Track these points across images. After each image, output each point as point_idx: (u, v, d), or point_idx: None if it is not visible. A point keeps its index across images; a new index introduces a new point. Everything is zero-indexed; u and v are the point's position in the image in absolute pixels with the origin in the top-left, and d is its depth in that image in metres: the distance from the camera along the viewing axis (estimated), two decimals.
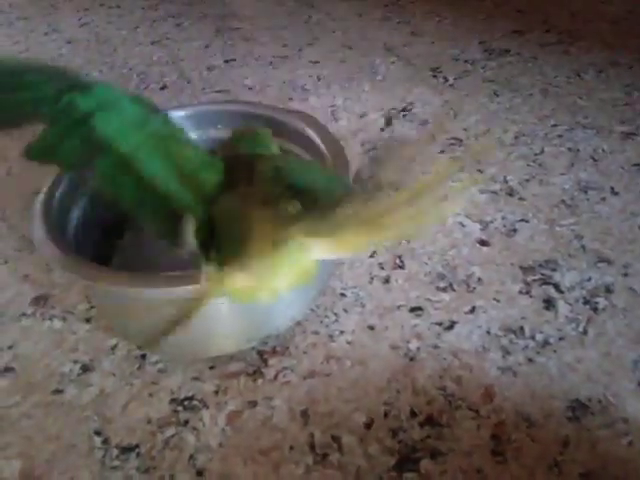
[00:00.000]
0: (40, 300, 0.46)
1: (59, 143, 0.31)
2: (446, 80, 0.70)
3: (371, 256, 0.48)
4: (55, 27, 0.93)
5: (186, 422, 0.36)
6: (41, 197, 0.39)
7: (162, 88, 0.73)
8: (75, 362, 0.41)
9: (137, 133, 0.31)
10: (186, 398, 0.38)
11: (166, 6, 0.97)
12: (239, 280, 0.29)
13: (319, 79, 0.73)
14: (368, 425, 0.36)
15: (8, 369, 0.41)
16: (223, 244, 0.29)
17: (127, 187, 0.31)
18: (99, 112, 0.31)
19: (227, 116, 0.48)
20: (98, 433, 0.36)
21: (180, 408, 0.37)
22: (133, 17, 0.94)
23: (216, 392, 0.38)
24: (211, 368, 0.39)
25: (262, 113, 0.47)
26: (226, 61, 0.79)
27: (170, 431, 0.36)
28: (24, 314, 0.45)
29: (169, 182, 0.31)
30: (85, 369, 0.40)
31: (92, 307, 0.44)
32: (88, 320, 0.44)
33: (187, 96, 0.71)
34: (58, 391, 0.39)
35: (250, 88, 0.72)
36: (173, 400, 0.38)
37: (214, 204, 0.30)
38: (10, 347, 0.42)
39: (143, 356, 0.41)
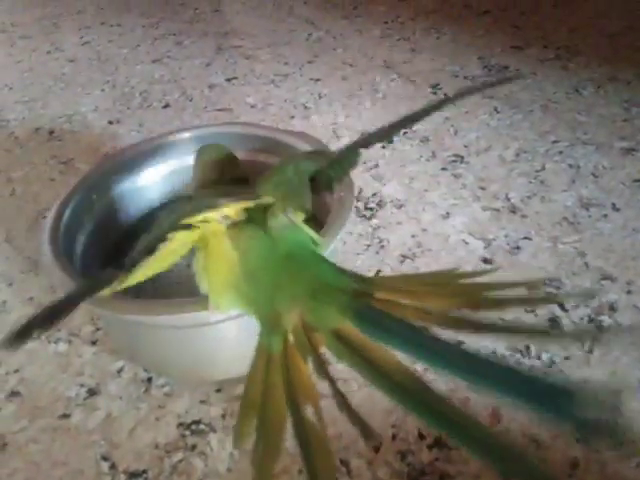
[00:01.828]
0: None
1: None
2: (446, 97, 0.71)
3: (376, 274, 0.48)
4: (57, 46, 0.94)
5: (194, 447, 0.36)
6: (48, 222, 0.39)
7: (164, 107, 0.74)
8: (81, 386, 0.41)
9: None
10: (193, 422, 0.38)
11: (166, 24, 0.99)
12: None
13: (320, 97, 0.74)
14: (376, 448, 0.36)
15: (14, 393, 0.41)
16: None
17: None
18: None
19: (231, 138, 0.48)
20: (105, 458, 0.36)
21: (187, 432, 0.37)
22: (134, 35, 0.95)
23: (223, 416, 0.38)
24: (218, 391, 0.39)
25: (265, 134, 0.48)
26: (227, 79, 0.80)
27: (178, 456, 0.36)
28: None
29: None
30: (91, 393, 0.40)
31: (97, 329, 0.45)
32: (94, 343, 0.44)
33: (189, 115, 0.72)
34: (65, 415, 0.39)
35: (252, 106, 0.73)
36: (180, 424, 0.38)
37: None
38: (16, 371, 0.42)
39: (149, 379, 0.40)
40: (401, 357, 0.24)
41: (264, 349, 0.28)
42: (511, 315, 0.43)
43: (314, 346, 0.26)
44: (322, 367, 0.25)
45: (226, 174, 0.41)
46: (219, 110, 0.72)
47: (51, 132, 0.70)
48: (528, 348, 0.41)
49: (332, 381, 0.25)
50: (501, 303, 0.26)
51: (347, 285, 0.28)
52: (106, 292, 0.30)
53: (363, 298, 0.27)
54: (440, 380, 0.39)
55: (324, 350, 0.26)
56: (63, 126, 0.71)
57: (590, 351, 0.40)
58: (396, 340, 0.24)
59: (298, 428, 0.24)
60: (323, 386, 0.39)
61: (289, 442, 0.36)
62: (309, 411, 0.25)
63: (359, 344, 0.25)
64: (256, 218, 0.32)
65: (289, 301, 0.29)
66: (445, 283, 0.29)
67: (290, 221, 0.32)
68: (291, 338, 0.27)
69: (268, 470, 0.24)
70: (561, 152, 0.60)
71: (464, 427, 0.21)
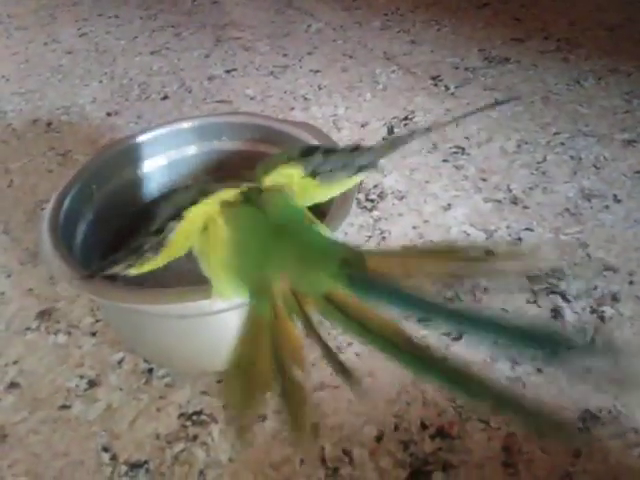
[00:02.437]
0: (45, 314, 0.45)
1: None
2: (447, 89, 0.71)
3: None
4: (54, 37, 0.93)
5: (195, 437, 0.36)
6: (48, 212, 0.39)
7: (163, 98, 0.73)
8: (81, 377, 0.40)
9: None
10: (195, 412, 0.37)
11: (165, 16, 0.98)
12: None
13: (320, 88, 0.73)
14: (379, 438, 0.35)
15: (14, 384, 0.40)
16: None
17: None
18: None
19: (231, 128, 0.48)
20: (106, 449, 0.36)
21: (189, 423, 0.37)
22: (132, 27, 0.94)
23: (225, 406, 0.38)
24: (219, 382, 0.39)
25: (266, 124, 0.47)
26: (227, 71, 0.79)
27: (179, 446, 0.36)
28: (29, 328, 0.44)
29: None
30: (92, 384, 0.40)
31: (97, 321, 0.44)
32: (94, 334, 0.43)
33: (188, 107, 0.71)
34: (65, 407, 0.39)
35: (252, 98, 0.72)
36: (182, 415, 0.37)
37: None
38: (15, 362, 0.42)
39: (150, 370, 0.40)
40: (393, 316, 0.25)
41: (253, 314, 0.28)
42: (513, 306, 0.43)
43: (302, 307, 0.26)
44: (309, 323, 0.26)
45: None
46: (218, 102, 0.72)
47: (49, 124, 0.70)
48: None
49: (320, 337, 0.25)
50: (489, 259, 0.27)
51: (338, 252, 0.28)
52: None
53: (354, 265, 0.27)
54: None
55: (315, 314, 0.26)
56: (61, 118, 0.71)
57: (592, 341, 0.40)
58: (388, 298, 0.25)
59: (282, 383, 0.24)
60: (325, 375, 0.38)
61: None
62: (295, 369, 0.25)
63: (350, 306, 0.26)
64: (252, 199, 0.32)
65: (278, 267, 0.28)
66: (438, 252, 0.29)
67: (285, 198, 0.32)
68: (280, 303, 0.27)
69: (248, 424, 0.25)
70: (562, 143, 0.60)
71: (457, 376, 0.22)
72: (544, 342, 0.22)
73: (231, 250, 0.30)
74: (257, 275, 0.29)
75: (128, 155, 0.47)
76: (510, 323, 0.23)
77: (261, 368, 0.25)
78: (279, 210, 0.31)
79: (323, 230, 0.32)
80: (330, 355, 0.25)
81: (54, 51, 0.88)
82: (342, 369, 0.24)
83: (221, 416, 0.37)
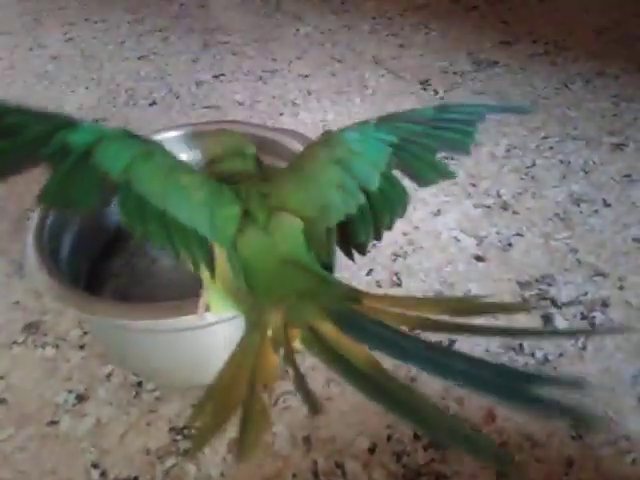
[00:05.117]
0: (31, 327, 0.45)
1: (69, 186, 0.29)
2: (436, 93, 0.71)
3: (368, 274, 0.47)
4: (40, 42, 0.92)
5: (186, 451, 0.36)
6: (33, 224, 0.38)
7: (151, 104, 0.73)
8: (70, 391, 0.40)
9: (144, 166, 0.31)
10: (185, 426, 0.37)
11: (152, 19, 0.97)
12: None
13: (309, 93, 0.73)
14: (371, 450, 0.35)
15: (0, 400, 0.40)
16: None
17: (153, 222, 0.29)
18: (98, 148, 0.30)
19: None
20: (95, 465, 0.36)
21: (179, 437, 0.37)
22: (119, 31, 0.93)
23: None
24: None
25: (254, 132, 0.47)
26: (215, 76, 0.78)
27: (170, 461, 0.35)
28: (15, 342, 0.44)
29: (191, 214, 0.30)
30: (80, 398, 0.39)
31: (85, 333, 0.44)
32: (82, 347, 0.43)
33: (177, 112, 0.70)
34: (53, 422, 0.38)
35: (240, 103, 0.72)
36: (172, 429, 0.37)
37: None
38: (1, 377, 0.41)
39: (139, 383, 0.40)
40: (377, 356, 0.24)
41: (242, 343, 0.28)
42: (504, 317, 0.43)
43: (287, 339, 0.26)
44: (289, 356, 0.25)
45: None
46: (207, 107, 0.71)
47: None
48: (521, 346, 0.40)
49: (295, 367, 0.25)
50: (484, 309, 0.26)
51: (335, 291, 0.28)
52: None
53: (347, 302, 0.27)
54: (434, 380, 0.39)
55: (298, 344, 0.26)
56: None
57: (584, 348, 0.40)
58: (375, 340, 0.24)
59: (246, 400, 0.24)
60: (316, 387, 0.38)
61: (280, 444, 0.35)
62: (262, 389, 0.24)
63: (333, 340, 0.25)
64: (260, 220, 0.31)
65: (276, 300, 0.28)
66: (432, 303, 0.28)
67: (295, 227, 0.31)
68: (269, 333, 0.27)
69: (205, 437, 0.24)
70: (551, 148, 0.60)
71: (434, 420, 0.21)
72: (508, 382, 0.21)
73: (237, 276, 0.29)
74: (256, 307, 0.28)
75: None
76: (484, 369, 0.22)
77: (235, 389, 0.25)
78: (287, 242, 0.31)
79: (332, 259, 0.32)
80: (299, 382, 0.24)
81: (40, 56, 0.87)
82: (309, 398, 0.24)
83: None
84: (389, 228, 0.35)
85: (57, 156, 0.29)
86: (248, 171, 0.37)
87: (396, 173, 0.34)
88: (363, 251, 0.34)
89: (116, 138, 0.31)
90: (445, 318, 0.25)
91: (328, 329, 0.26)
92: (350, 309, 0.26)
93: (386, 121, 0.37)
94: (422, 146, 0.36)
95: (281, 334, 0.26)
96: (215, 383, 0.26)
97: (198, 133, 0.47)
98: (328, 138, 0.36)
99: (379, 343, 0.24)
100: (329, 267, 0.32)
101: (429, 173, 0.35)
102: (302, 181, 0.33)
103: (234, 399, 0.25)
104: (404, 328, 0.25)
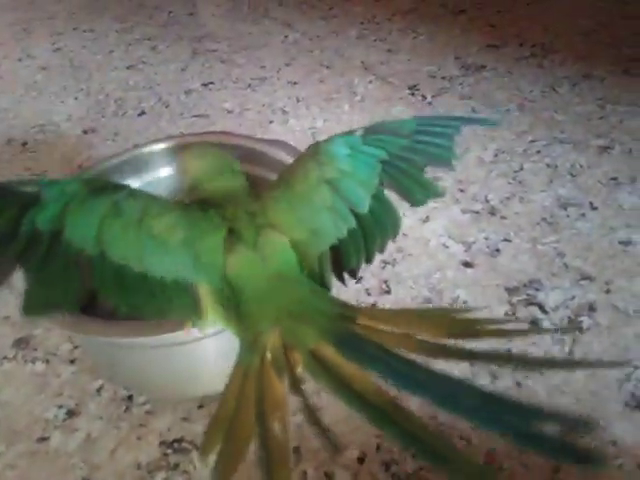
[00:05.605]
0: (22, 342, 0.45)
1: (49, 287, 0.28)
2: (424, 98, 0.71)
3: (357, 282, 0.47)
4: (29, 53, 0.92)
5: (177, 465, 0.36)
6: None
7: (140, 114, 0.73)
8: (60, 407, 0.40)
9: (114, 226, 0.30)
10: (175, 440, 0.37)
11: (141, 28, 0.97)
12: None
13: (298, 100, 0.73)
14: (361, 459, 0.35)
15: None
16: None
17: (135, 292, 0.29)
18: (67, 221, 0.29)
19: None
20: None
21: (170, 451, 0.37)
22: (108, 41, 0.94)
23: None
24: (200, 407, 0.39)
25: (243, 144, 0.47)
26: (204, 84, 0.79)
27: (161, 475, 0.36)
28: (5, 357, 0.44)
29: (171, 263, 0.30)
30: (70, 414, 0.39)
31: (76, 347, 0.44)
32: (72, 361, 0.43)
33: (166, 122, 0.71)
34: (43, 439, 0.38)
35: (229, 112, 0.72)
36: (162, 443, 0.37)
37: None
38: None
39: (130, 397, 0.40)
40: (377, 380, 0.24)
41: (241, 365, 0.28)
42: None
43: (291, 364, 0.26)
44: (296, 384, 0.25)
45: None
46: (196, 116, 0.71)
47: (24, 143, 0.69)
48: (509, 352, 0.41)
49: (304, 398, 0.25)
50: (479, 334, 0.26)
51: (329, 309, 0.28)
52: None
53: (344, 322, 0.27)
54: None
55: (301, 369, 0.26)
56: (36, 137, 0.70)
57: (570, 353, 0.41)
58: (375, 365, 0.24)
59: (261, 439, 0.24)
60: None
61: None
62: (276, 425, 0.24)
63: (335, 365, 0.25)
64: (248, 240, 0.31)
65: (271, 320, 0.28)
66: (429, 317, 0.29)
67: (284, 244, 0.31)
68: (269, 356, 0.27)
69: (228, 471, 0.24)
70: (539, 151, 0.61)
71: (437, 449, 0.21)
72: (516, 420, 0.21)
73: (228, 295, 0.30)
74: (251, 328, 0.29)
75: (104, 178, 0.46)
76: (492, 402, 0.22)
77: (243, 419, 0.25)
78: (276, 257, 0.31)
79: (328, 281, 0.32)
80: (313, 418, 0.24)
81: (28, 67, 0.87)
82: (323, 433, 0.23)
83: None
84: (381, 251, 0.35)
85: (29, 250, 0.28)
86: (235, 189, 0.37)
87: (386, 192, 0.35)
88: (354, 275, 0.34)
89: (80, 200, 0.30)
90: (445, 341, 0.25)
91: (330, 353, 0.26)
92: (350, 331, 0.26)
93: (372, 133, 0.38)
94: (409, 162, 0.36)
95: (282, 359, 0.26)
96: (220, 412, 0.26)
97: (185, 145, 0.47)
98: (317, 152, 0.36)
99: (383, 371, 0.24)
100: (323, 285, 0.32)
101: (419, 192, 0.36)
102: (292, 202, 0.33)
103: (245, 432, 0.25)
104: (405, 352, 0.25)
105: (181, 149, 0.45)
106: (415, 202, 0.36)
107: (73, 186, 0.31)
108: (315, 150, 0.36)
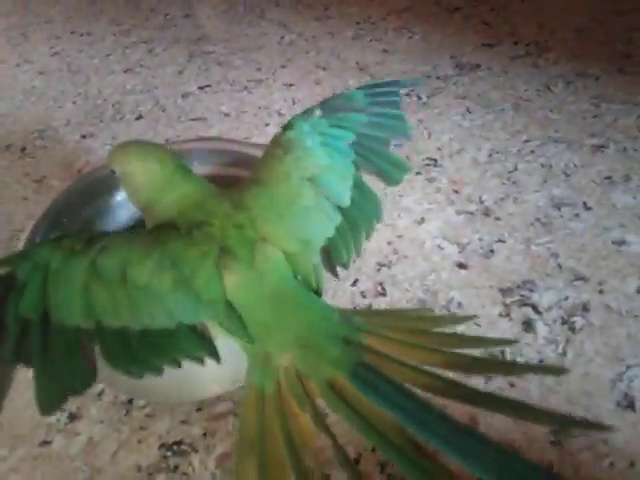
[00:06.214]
0: None
1: (57, 377, 0.27)
2: (419, 98, 0.72)
3: (353, 284, 0.48)
4: (26, 58, 0.92)
5: (176, 467, 0.37)
6: (21, 246, 0.39)
7: (137, 118, 0.73)
8: (62, 411, 0.40)
9: (99, 290, 0.28)
10: (175, 443, 0.38)
11: (138, 31, 0.97)
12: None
13: (294, 102, 0.73)
14: (357, 460, 0.36)
15: None
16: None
17: (144, 353, 0.27)
18: (51, 300, 0.27)
19: (201, 154, 0.48)
20: None
21: (169, 453, 0.37)
22: (105, 44, 0.94)
23: (204, 435, 0.38)
24: (198, 410, 0.39)
25: (237, 149, 0.47)
26: (200, 87, 0.79)
27: (161, 477, 0.36)
28: None
29: (170, 312, 0.28)
30: (72, 418, 0.40)
31: None
32: None
33: (163, 126, 0.71)
34: (46, 442, 0.39)
35: (226, 115, 0.72)
36: (162, 445, 0.38)
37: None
38: None
39: (130, 401, 0.40)
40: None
41: (255, 387, 0.28)
42: (485, 320, 0.44)
43: (310, 396, 0.27)
44: (319, 419, 0.26)
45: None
46: (193, 120, 0.72)
47: (23, 149, 0.69)
48: (503, 353, 0.41)
49: (330, 434, 0.25)
50: (472, 368, 0.27)
51: (335, 331, 0.28)
52: None
53: (353, 350, 0.27)
54: None
55: (319, 401, 0.27)
56: (35, 142, 0.70)
57: (564, 353, 0.41)
58: (387, 403, 0.25)
59: (298, 475, 0.25)
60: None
61: None
62: (310, 461, 0.25)
63: (353, 397, 0.26)
64: (241, 254, 0.31)
65: (279, 344, 0.29)
66: (423, 330, 0.29)
67: (278, 259, 0.31)
68: (283, 380, 0.28)
69: None
70: (533, 151, 0.61)
71: None
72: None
73: (234, 329, 0.30)
74: (258, 347, 0.29)
75: (102, 184, 0.47)
76: (495, 456, 0.22)
77: (273, 452, 0.25)
78: (274, 273, 0.31)
79: (320, 286, 0.32)
80: (340, 454, 0.24)
81: (26, 72, 0.87)
82: (352, 470, 0.24)
83: (201, 445, 0.37)
84: (368, 238, 0.36)
85: (24, 345, 0.27)
86: (201, 194, 0.34)
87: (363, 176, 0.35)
88: (346, 266, 0.35)
89: (56, 273, 0.28)
90: (458, 378, 0.26)
91: (346, 386, 0.26)
92: (360, 361, 0.26)
93: (330, 111, 0.37)
94: (375, 140, 0.37)
95: (297, 384, 0.27)
96: (244, 434, 0.26)
97: (179, 152, 0.48)
98: (290, 146, 0.35)
99: (394, 410, 0.24)
100: (317, 292, 0.32)
101: (394, 171, 0.36)
102: (279, 208, 0.32)
103: (278, 462, 0.25)
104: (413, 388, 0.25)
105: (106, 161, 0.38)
106: (392, 182, 0.36)
107: (44, 255, 0.29)
108: (287, 144, 0.35)
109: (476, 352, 0.41)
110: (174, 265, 0.29)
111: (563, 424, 0.26)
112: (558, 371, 0.25)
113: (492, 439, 0.23)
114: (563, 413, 0.23)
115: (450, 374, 0.26)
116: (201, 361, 0.29)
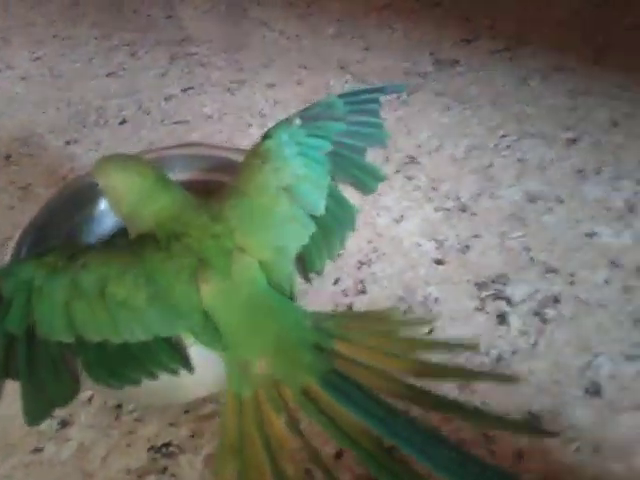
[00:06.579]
0: None
1: (40, 389, 0.29)
2: (398, 96, 0.73)
3: (335, 283, 0.49)
4: (8, 63, 0.92)
5: (165, 469, 0.38)
6: (9, 253, 0.40)
7: (121, 123, 0.74)
8: (53, 417, 0.42)
9: (80, 305, 0.29)
10: (163, 445, 0.39)
11: (120, 34, 0.97)
12: None
13: (276, 103, 0.74)
14: (338, 455, 0.38)
15: None
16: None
17: (122, 367, 0.29)
18: (35, 315, 0.29)
19: (183, 160, 0.49)
20: None
21: (158, 455, 0.39)
22: (87, 48, 0.94)
23: (192, 436, 0.39)
24: (186, 412, 0.41)
25: (217, 155, 0.49)
26: (183, 90, 0.80)
27: (150, 479, 0.38)
28: None
29: (148, 326, 0.30)
30: (63, 424, 0.41)
31: None
32: None
33: (147, 130, 0.72)
34: (37, 450, 0.40)
35: (209, 117, 0.73)
36: (151, 448, 0.39)
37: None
38: None
39: (119, 406, 0.42)
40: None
41: (234, 393, 0.30)
42: (462, 314, 0.45)
43: (285, 401, 0.28)
44: (294, 424, 0.27)
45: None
46: (176, 123, 0.73)
47: (7, 157, 0.70)
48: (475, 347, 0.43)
49: (305, 439, 0.27)
50: (441, 374, 0.28)
51: (308, 338, 0.30)
52: None
53: (325, 357, 0.29)
54: None
55: (296, 408, 0.28)
56: (20, 150, 0.71)
57: (535, 344, 0.43)
58: (357, 410, 0.26)
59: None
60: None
61: None
62: (288, 466, 0.27)
63: (326, 403, 0.27)
64: (218, 264, 0.32)
65: (255, 351, 0.30)
66: (394, 335, 0.31)
67: (254, 268, 0.32)
68: (259, 386, 0.29)
69: None
70: (509, 146, 0.62)
71: None
72: None
73: (210, 340, 0.31)
74: (235, 353, 0.30)
75: (85, 193, 0.48)
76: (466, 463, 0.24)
77: (253, 455, 0.27)
78: (249, 282, 0.32)
79: (294, 291, 0.33)
80: (315, 458, 0.26)
81: (8, 78, 0.88)
82: (326, 472, 0.26)
83: (189, 446, 0.39)
84: (342, 245, 0.37)
85: (11, 360, 0.29)
86: (180, 206, 0.35)
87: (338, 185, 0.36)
88: (319, 273, 0.36)
89: (40, 290, 0.30)
90: (427, 385, 0.27)
91: (320, 392, 0.28)
92: (332, 369, 0.28)
93: (310, 119, 0.38)
94: (352, 149, 0.38)
95: (276, 395, 0.28)
96: (224, 440, 0.28)
97: (161, 159, 0.49)
98: (269, 156, 0.36)
99: (365, 416, 0.26)
100: (291, 298, 0.34)
101: (368, 180, 0.37)
102: (255, 218, 0.34)
103: (258, 467, 0.27)
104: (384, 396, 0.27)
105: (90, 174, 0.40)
106: (366, 191, 0.37)
107: (27, 271, 0.30)
108: (266, 153, 0.36)
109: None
110: (151, 281, 0.30)
111: (519, 430, 0.28)
112: (510, 380, 0.27)
113: (455, 443, 0.24)
114: (519, 420, 0.24)
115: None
116: (175, 372, 0.30)
